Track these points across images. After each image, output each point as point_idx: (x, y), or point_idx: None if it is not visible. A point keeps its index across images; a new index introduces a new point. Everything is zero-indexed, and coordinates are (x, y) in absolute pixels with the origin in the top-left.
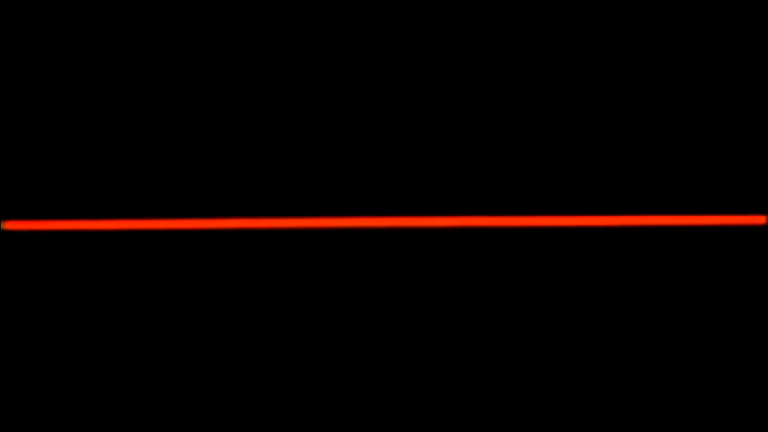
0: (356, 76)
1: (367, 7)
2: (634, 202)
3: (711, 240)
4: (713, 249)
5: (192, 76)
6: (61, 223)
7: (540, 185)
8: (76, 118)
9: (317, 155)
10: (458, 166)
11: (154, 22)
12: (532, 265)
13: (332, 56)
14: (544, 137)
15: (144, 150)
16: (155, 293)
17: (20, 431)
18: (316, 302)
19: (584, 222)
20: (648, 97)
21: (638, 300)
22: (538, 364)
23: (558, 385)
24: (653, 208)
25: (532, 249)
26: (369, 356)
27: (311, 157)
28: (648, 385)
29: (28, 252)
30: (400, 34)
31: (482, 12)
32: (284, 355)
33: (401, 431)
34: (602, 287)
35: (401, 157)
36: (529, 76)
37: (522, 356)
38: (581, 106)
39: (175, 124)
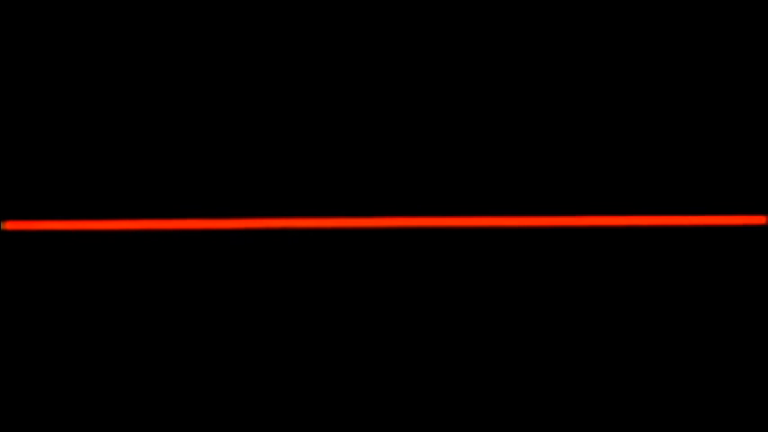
0: (356, 76)
1: (367, 7)
2: (634, 202)
3: (711, 240)
4: (713, 249)
5: (192, 76)
6: (61, 223)
7: (540, 185)
8: (76, 118)
9: (317, 155)
10: (458, 166)
11: (154, 22)
12: (532, 265)
13: (332, 56)
14: (544, 137)
15: (144, 150)
16: (155, 293)
17: (20, 431)
18: (316, 302)
19: (585, 222)
20: (648, 97)
21: (638, 300)
22: (538, 364)
23: (558, 385)
24: (653, 208)
25: (532, 249)
26: (369, 356)
27: (311, 157)
28: (648, 385)
29: (28, 252)
30: (400, 34)
31: (482, 12)
32: (284, 355)
33: (401, 431)
34: (603, 287)
35: (401, 157)
36: (529, 76)
37: (522, 356)
38: (581, 106)
39: (175, 124)
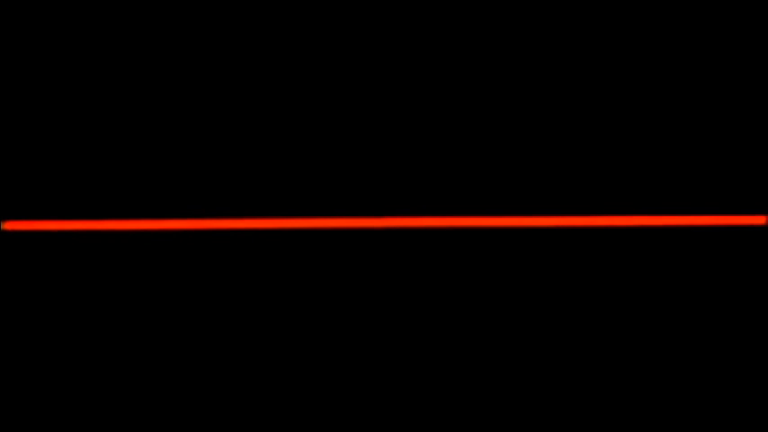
0: (356, 76)
1: (367, 7)
2: (634, 202)
3: (711, 240)
4: (713, 249)
5: (192, 76)
6: (61, 223)
7: (540, 185)
8: (76, 118)
9: (317, 155)
10: (457, 166)
11: (154, 21)
12: (532, 265)
13: (332, 56)
14: (544, 137)
15: (144, 150)
16: (155, 293)
17: (20, 431)
18: (316, 302)
19: (585, 222)
20: (648, 98)
21: (638, 300)
22: (538, 364)
23: (558, 385)
24: (653, 208)
25: (532, 249)
26: (369, 356)
27: (311, 157)
28: (648, 385)
29: (28, 252)
30: (400, 34)
31: (482, 12)
32: (284, 355)
33: (401, 431)
34: (603, 287)
35: (401, 157)
36: (529, 76)
37: (522, 357)
38: (581, 106)
39: (175, 124)
